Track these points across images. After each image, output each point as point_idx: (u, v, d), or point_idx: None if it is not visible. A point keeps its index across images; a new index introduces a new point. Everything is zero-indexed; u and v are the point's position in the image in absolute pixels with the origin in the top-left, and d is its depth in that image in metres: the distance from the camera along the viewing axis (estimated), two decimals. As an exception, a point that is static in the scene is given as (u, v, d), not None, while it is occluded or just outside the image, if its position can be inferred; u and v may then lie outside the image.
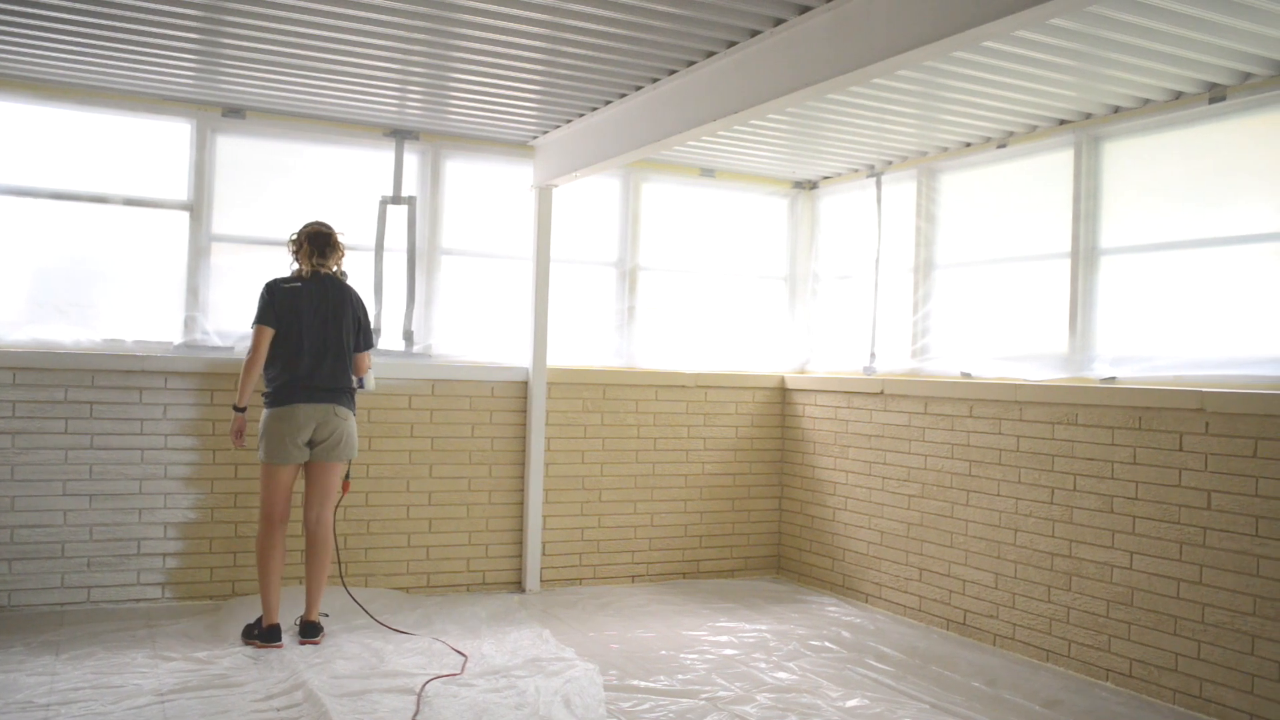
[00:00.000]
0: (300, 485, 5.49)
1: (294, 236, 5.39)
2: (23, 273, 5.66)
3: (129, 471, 5.69)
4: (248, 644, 5.05)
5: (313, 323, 5.23)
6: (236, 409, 5.24)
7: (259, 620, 5.15)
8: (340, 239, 5.43)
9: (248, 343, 5.29)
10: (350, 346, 5.34)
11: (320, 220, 5.47)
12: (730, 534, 7.24)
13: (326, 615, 5.49)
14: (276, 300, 5.22)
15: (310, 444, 5.22)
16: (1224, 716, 4.51)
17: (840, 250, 7.29)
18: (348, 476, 5.53)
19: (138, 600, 5.70)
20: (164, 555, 5.75)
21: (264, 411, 5.23)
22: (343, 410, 5.27)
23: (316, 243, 5.33)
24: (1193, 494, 4.68)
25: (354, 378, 5.41)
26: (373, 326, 6.28)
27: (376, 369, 6.19)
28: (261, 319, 5.19)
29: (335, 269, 5.40)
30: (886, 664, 5.21)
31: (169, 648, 4.99)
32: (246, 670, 4.71)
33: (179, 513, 5.76)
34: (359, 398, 5.72)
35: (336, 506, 5.48)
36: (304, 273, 5.31)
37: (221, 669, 4.71)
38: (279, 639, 5.07)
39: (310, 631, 5.19)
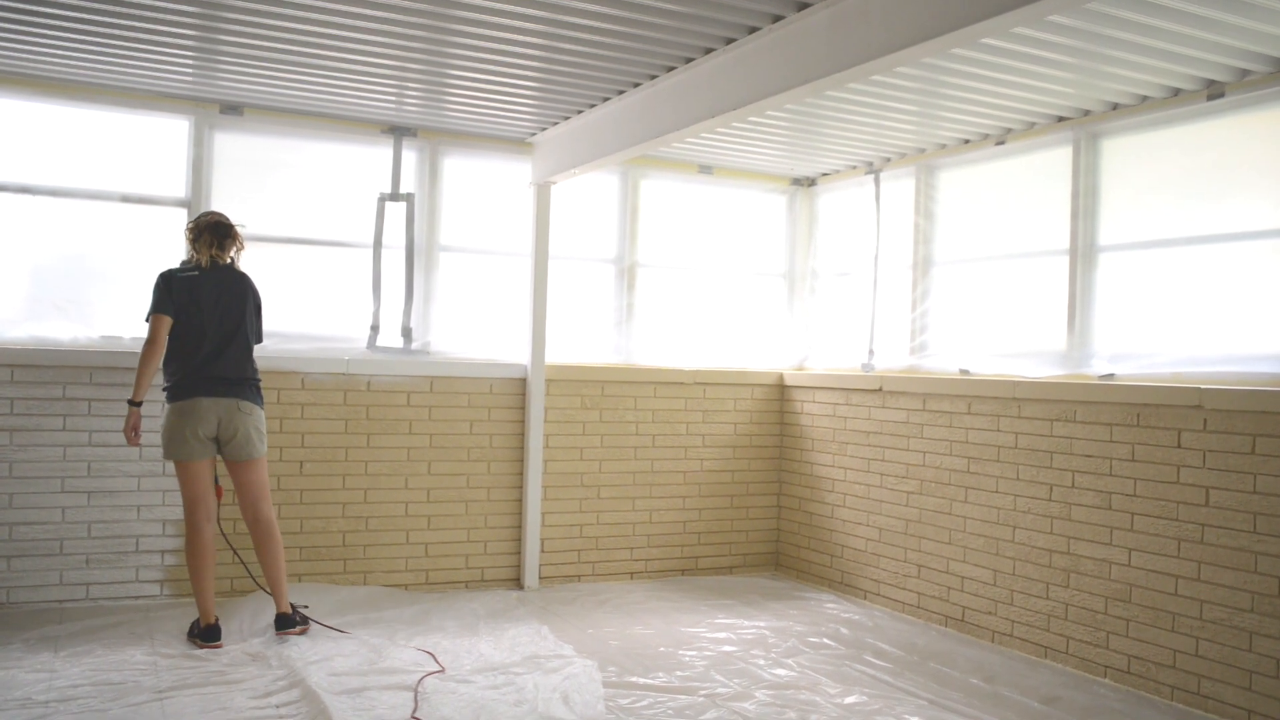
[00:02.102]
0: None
1: (191, 225, 5.24)
2: (20, 270, 5.65)
3: (127, 469, 5.69)
4: (190, 642, 5.00)
5: (213, 312, 5.09)
6: (131, 404, 5.06)
7: (198, 620, 5.09)
8: (239, 229, 5.31)
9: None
10: (253, 336, 5.24)
11: (216, 210, 5.42)
12: (729, 531, 7.24)
13: (306, 606, 5.48)
14: (174, 289, 5.07)
15: (217, 441, 5.10)
16: (1222, 713, 4.52)
17: (839, 247, 7.29)
18: (216, 482, 5.25)
19: (136, 597, 5.70)
20: (163, 552, 5.75)
21: (165, 407, 5.10)
22: (247, 405, 5.12)
23: (217, 232, 5.18)
24: (1191, 491, 4.69)
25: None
26: (371, 324, 6.31)
27: (376, 366, 6.20)
28: (158, 308, 5.03)
29: (231, 259, 5.25)
30: (885, 661, 5.22)
31: (168, 645, 4.99)
32: (245, 667, 4.71)
33: (177, 510, 5.75)
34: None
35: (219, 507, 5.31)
36: (201, 262, 5.16)
37: (220, 666, 4.71)
38: (218, 638, 5.00)
39: (284, 624, 5.16)
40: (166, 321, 5.03)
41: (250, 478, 5.21)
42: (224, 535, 5.45)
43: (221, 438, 5.09)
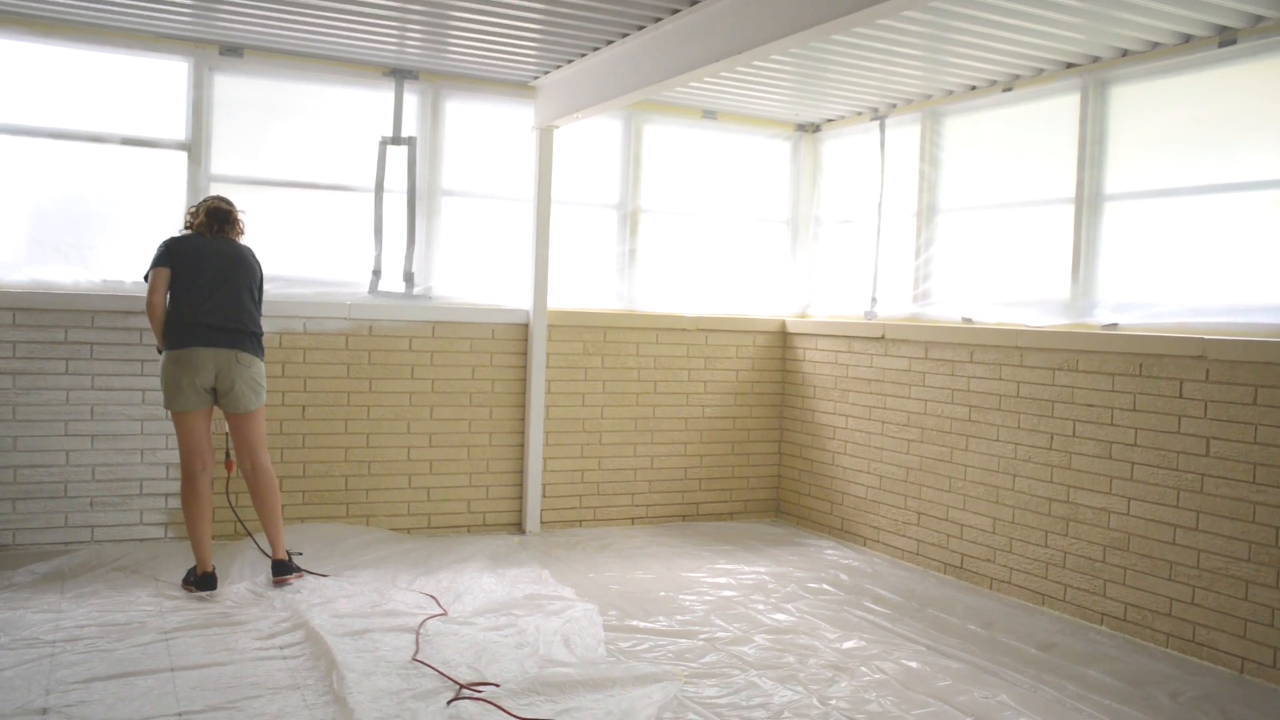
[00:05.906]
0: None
1: (191, 209, 5.25)
2: (20, 213, 5.62)
3: (130, 412, 5.70)
4: (185, 589, 5.03)
5: (215, 263, 5.08)
6: (160, 353, 5.09)
7: (194, 568, 5.11)
8: (240, 217, 5.30)
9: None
10: (251, 293, 5.21)
11: (221, 196, 5.35)
12: (730, 477, 7.27)
13: (300, 554, 5.52)
14: (172, 246, 5.09)
15: (214, 392, 5.09)
16: (1216, 660, 4.57)
17: (843, 194, 7.24)
18: (228, 457, 5.36)
19: (141, 539, 5.75)
20: (166, 495, 5.79)
21: (161, 355, 5.08)
22: (246, 357, 5.11)
23: (216, 217, 5.20)
24: (1192, 441, 4.69)
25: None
26: (374, 269, 6.29)
27: (378, 310, 6.20)
28: (156, 264, 5.05)
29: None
30: (884, 606, 5.26)
31: (172, 586, 5.04)
32: (249, 609, 4.76)
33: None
34: None
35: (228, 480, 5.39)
36: (201, 231, 5.20)
37: (224, 608, 4.76)
38: (214, 586, 5.02)
39: (280, 570, 5.19)
40: (164, 273, 5.03)
41: (249, 428, 5.21)
42: (230, 503, 5.60)
43: (219, 389, 5.09)
